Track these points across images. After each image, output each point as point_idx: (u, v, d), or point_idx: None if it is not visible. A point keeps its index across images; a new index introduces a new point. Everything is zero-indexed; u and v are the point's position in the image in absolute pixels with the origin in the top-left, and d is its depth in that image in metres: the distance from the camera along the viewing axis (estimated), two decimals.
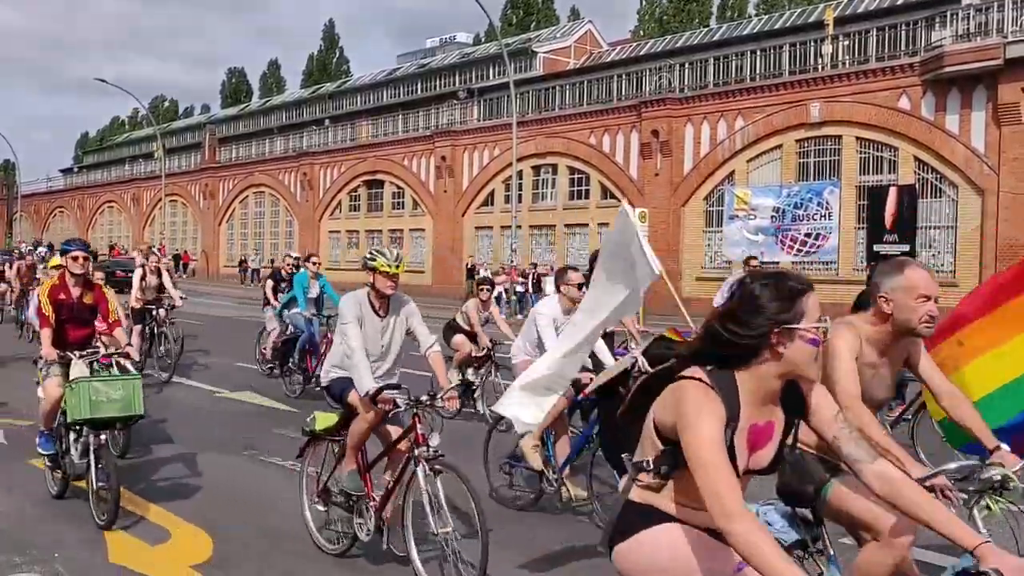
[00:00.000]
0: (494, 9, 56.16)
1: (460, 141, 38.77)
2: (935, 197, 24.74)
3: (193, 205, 57.95)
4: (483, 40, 60.74)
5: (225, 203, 54.73)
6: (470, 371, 10.34)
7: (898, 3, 31.32)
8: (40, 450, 6.67)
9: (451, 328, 10.72)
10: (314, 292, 11.99)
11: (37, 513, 6.34)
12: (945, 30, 25.35)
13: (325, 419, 5.52)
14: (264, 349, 13.27)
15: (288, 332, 12.18)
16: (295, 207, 48.75)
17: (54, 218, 75.53)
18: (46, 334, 6.49)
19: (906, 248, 24.87)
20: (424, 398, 5.03)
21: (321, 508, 5.63)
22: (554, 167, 34.99)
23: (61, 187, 76.04)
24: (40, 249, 22.10)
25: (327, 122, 52.59)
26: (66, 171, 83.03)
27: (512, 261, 29.70)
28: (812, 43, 28.81)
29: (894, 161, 25.38)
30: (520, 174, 32.55)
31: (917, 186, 24.91)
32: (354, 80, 61.44)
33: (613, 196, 32.67)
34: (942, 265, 24.50)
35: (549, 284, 28.00)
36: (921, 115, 24.51)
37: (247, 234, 53.33)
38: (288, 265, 13.16)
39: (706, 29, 45.50)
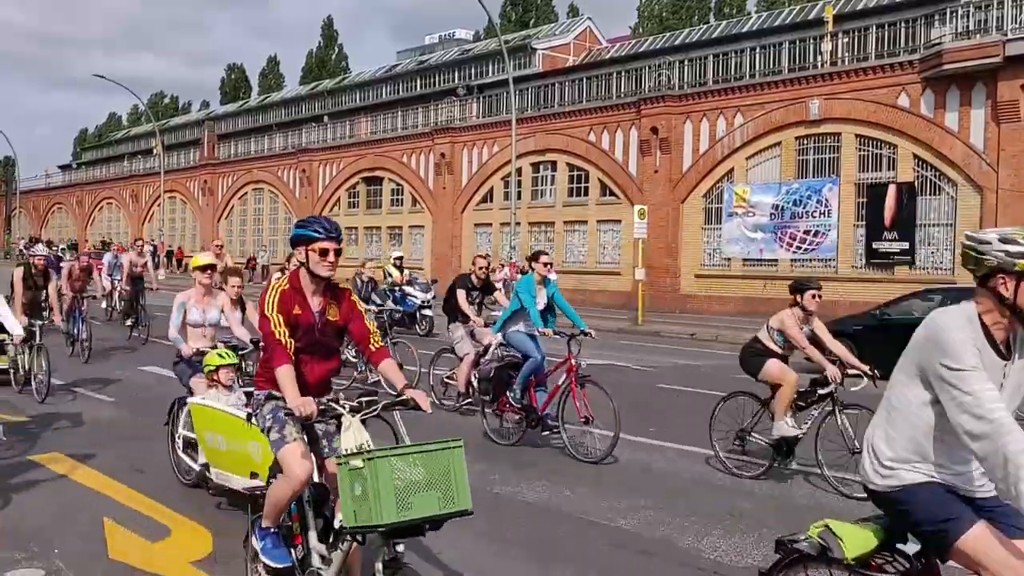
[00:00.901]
0: (493, 6, 56.13)
1: (459, 138, 38.75)
2: (934, 194, 24.74)
3: (192, 202, 57.90)
4: (482, 37, 60.74)
5: (224, 200, 54.69)
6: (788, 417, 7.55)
7: (897, 0, 31.32)
8: (267, 560, 4.27)
9: (756, 352, 7.78)
10: (541, 302, 9.00)
11: (37, 509, 6.34)
12: (944, 27, 25.33)
13: (857, 536, 3.21)
14: (449, 379, 10.63)
15: (501, 356, 9.36)
16: (294, 204, 48.72)
17: (52, 215, 75.49)
18: (286, 375, 4.06)
19: (905, 245, 24.92)
20: None
21: None
22: (553, 164, 34.97)
23: (60, 183, 75.98)
24: (40, 247, 19.18)
25: (326, 119, 52.57)
26: (65, 167, 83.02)
27: (511, 257, 29.70)
28: (811, 40, 28.77)
29: (893, 158, 25.37)
30: (519, 171, 32.52)
31: (916, 183, 24.92)
32: (353, 77, 61.45)
33: (612, 193, 32.67)
34: (941, 262, 24.51)
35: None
36: (920, 112, 24.51)
37: (246, 231, 53.32)
38: (480, 269, 10.43)
39: (705, 26, 45.53)
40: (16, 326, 8.93)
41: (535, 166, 35.51)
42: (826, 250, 26.69)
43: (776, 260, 27.79)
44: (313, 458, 4.19)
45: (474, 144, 38.11)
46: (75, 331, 14.45)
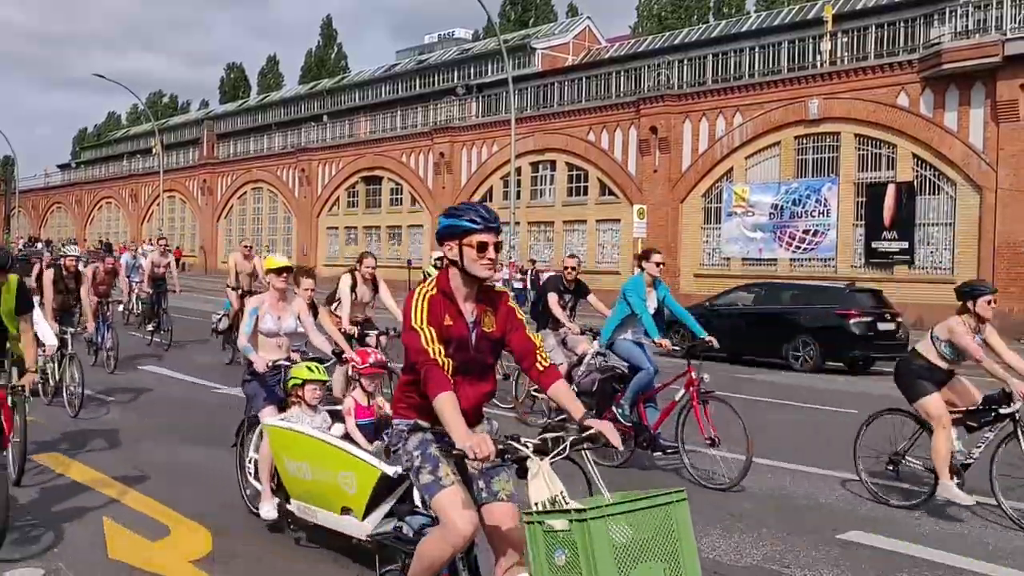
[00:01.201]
0: (493, 5, 56.07)
1: (458, 137, 38.75)
2: (933, 194, 24.75)
3: (191, 201, 57.89)
4: (482, 36, 60.71)
5: (223, 199, 54.69)
6: (957, 443, 6.53)
7: (897, 0, 31.32)
8: None
9: (917, 372, 6.70)
10: (651, 307, 7.85)
11: (37, 508, 6.34)
12: (944, 27, 25.34)
13: None
14: (536, 392, 9.26)
15: (599, 366, 8.33)
16: (293, 203, 48.72)
17: (52, 214, 75.45)
18: (449, 404, 3.25)
19: (904, 245, 24.93)
20: None
21: None
22: (552, 164, 34.98)
23: (59, 183, 75.96)
24: (71, 247, 14.97)
25: (325, 118, 52.56)
26: (64, 167, 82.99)
27: (511, 257, 29.71)
28: (811, 40, 28.78)
29: (892, 158, 25.38)
30: (518, 171, 32.52)
31: (915, 183, 24.93)
32: (352, 76, 61.45)
33: (611, 193, 32.67)
34: (940, 262, 24.52)
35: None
36: (920, 112, 24.52)
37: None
38: (570, 269, 9.50)
39: (705, 26, 45.53)
40: (49, 334, 8.19)
41: (534, 165, 35.52)
42: (825, 250, 26.70)
43: (775, 260, 27.79)
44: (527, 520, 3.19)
45: (473, 144, 38.10)
46: (99, 338, 13.07)
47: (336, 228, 46.23)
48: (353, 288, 9.09)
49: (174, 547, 5.57)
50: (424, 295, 3.50)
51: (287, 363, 6.21)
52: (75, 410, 9.70)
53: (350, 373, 5.51)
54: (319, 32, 75.09)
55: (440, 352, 3.35)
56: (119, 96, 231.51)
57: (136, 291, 18.03)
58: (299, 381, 5.82)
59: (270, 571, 5.23)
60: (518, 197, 31.97)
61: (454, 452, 3.17)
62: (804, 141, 27.34)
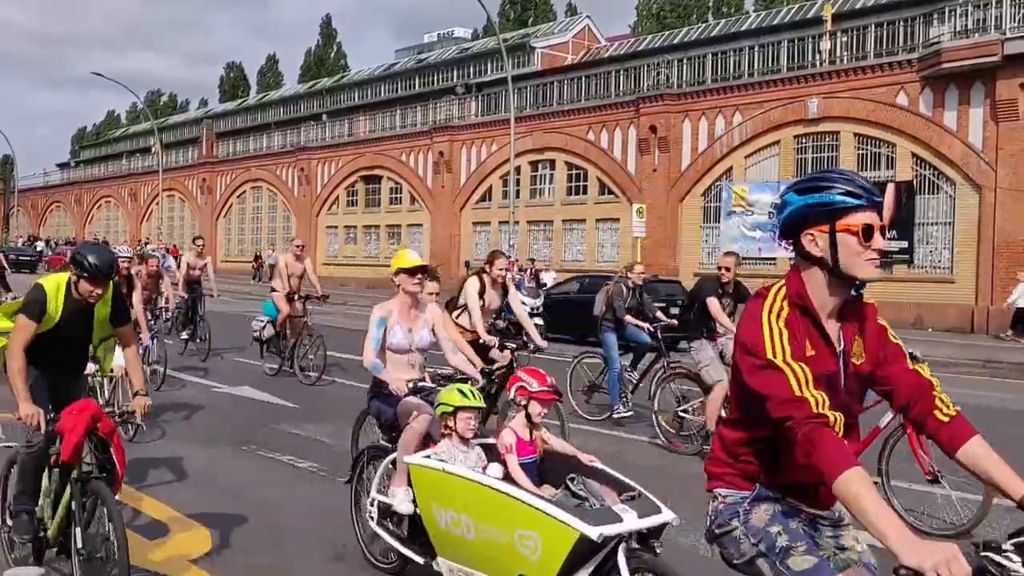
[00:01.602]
0: (492, 4, 56.00)
1: (458, 136, 38.74)
2: (933, 193, 24.76)
3: (191, 200, 57.85)
4: (481, 35, 60.70)
5: (223, 198, 54.65)
6: None
7: None
8: None
9: None
10: None
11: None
12: (943, 26, 25.34)
13: None
14: (684, 413, 8.46)
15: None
16: (292, 202, 48.69)
17: (51, 213, 75.40)
18: (862, 486, 2.10)
19: (904, 244, 24.93)
20: None
21: None
22: (552, 163, 34.98)
23: (58, 182, 75.89)
24: (123, 248, 14.06)
25: (324, 117, 52.57)
26: (63, 166, 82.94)
27: (510, 256, 29.68)
28: (810, 39, 28.79)
29: (892, 157, 25.39)
30: (518, 170, 32.51)
31: (915, 182, 24.93)
32: (351, 75, 61.45)
33: (611, 192, 32.67)
34: (939, 261, 24.53)
35: (548, 280, 28.12)
36: (919, 111, 24.52)
37: (244, 229, 53.28)
38: (725, 270, 8.30)
39: (704, 25, 45.54)
40: (116, 351, 6.90)
41: (534, 165, 35.52)
42: None
43: (775, 259, 27.77)
44: None
45: (472, 143, 38.10)
46: (141, 351, 11.39)
47: (335, 227, 46.22)
48: (481, 293, 7.91)
49: (174, 547, 5.56)
50: (778, 313, 2.40)
51: (428, 385, 5.25)
52: (131, 434, 8.23)
53: (513, 396, 4.56)
54: (319, 31, 75.16)
55: (825, 404, 2.23)
56: (118, 95, 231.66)
57: (165, 294, 16.97)
58: (450, 409, 4.56)
59: (270, 571, 5.23)
60: (517, 196, 31.96)
61: (901, 572, 2.02)
62: (803, 140, 27.34)
